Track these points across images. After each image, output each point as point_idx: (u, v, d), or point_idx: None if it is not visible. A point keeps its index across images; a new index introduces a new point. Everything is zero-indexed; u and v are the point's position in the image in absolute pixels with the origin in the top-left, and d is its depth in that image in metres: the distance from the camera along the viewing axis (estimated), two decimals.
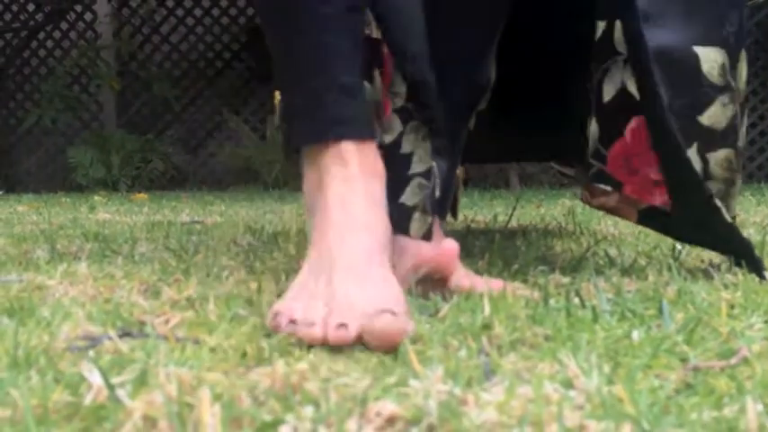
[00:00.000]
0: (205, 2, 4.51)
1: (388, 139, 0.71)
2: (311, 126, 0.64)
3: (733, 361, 0.46)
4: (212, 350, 0.49)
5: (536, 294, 0.67)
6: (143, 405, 0.36)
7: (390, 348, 0.50)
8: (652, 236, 1.20)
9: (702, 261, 0.90)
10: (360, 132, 0.63)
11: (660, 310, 0.59)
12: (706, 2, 0.73)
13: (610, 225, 1.42)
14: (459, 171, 0.92)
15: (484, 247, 1.00)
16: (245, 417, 0.36)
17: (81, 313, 0.59)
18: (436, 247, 0.71)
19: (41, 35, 4.61)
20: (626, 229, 1.33)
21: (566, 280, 0.74)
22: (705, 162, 0.75)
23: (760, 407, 0.38)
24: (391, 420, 0.37)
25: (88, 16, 4.58)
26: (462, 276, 0.70)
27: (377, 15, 0.70)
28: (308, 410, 0.37)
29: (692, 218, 0.78)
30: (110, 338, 0.51)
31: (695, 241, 0.83)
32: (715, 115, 0.73)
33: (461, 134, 0.86)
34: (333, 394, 0.39)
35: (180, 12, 4.52)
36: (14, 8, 4.63)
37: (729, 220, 0.75)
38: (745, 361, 0.46)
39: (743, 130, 0.76)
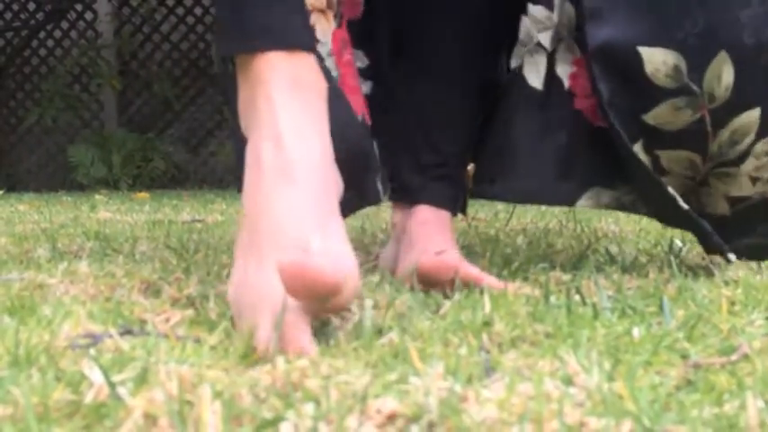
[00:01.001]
0: (206, 0, 4.51)
1: None
2: (238, 35, 0.60)
3: (733, 357, 0.46)
4: (213, 348, 0.49)
5: (536, 292, 0.67)
6: (144, 403, 0.36)
7: (321, 293, 0.48)
8: (653, 233, 1.20)
9: (703, 258, 0.90)
10: (289, 41, 0.58)
11: (661, 308, 0.59)
12: (659, 0, 0.69)
13: (611, 223, 1.42)
14: (470, 168, 0.92)
15: (485, 245, 1.00)
16: (246, 414, 0.36)
17: (82, 312, 0.59)
18: (437, 258, 0.70)
19: (42, 34, 4.61)
20: (627, 226, 1.33)
21: (566, 277, 0.74)
22: (654, 157, 0.73)
23: (760, 403, 0.38)
24: (392, 417, 0.37)
25: (89, 15, 4.58)
26: (470, 267, 0.70)
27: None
28: (309, 408, 0.37)
29: (653, 205, 0.77)
30: (110, 336, 0.51)
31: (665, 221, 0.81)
32: (662, 116, 0.71)
33: (474, 131, 0.86)
34: (333, 391, 0.39)
35: (180, 10, 4.52)
36: (15, 7, 4.63)
37: (686, 207, 0.74)
38: (746, 357, 0.47)
39: (722, 137, 0.72)
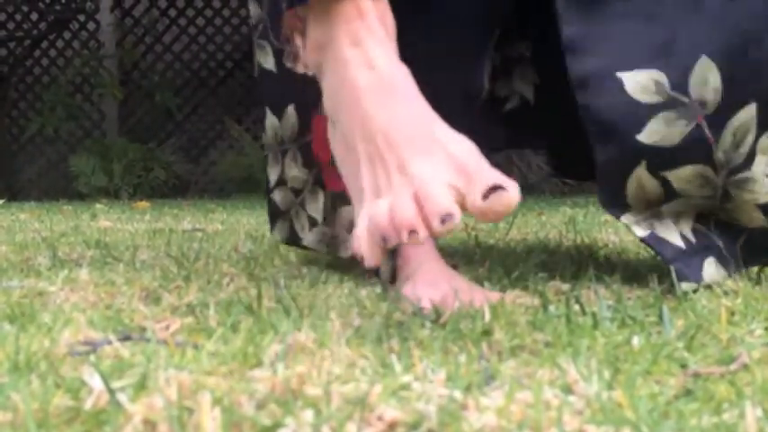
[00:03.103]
0: (207, 11, 4.53)
1: None
2: None
3: (733, 367, 0.46)
4: (212, 355, 0.49)
5: (536, 301, 0.67)
6: (143, 409, 0.37)
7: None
8: None
9: None
10: None
11: (660, 317, 0.59)
12: (636, 22, 0.69)
13: (611, 233, 1.42)
14: None
15: (485, 255, 1.00)
16: (246, 421, 0.36)
17: (82, 319, 0.59)
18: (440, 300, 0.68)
19: (44, 44, 4.63)
20: (627, 236, 1.33)
21: (566, 287, 0.74)
22: (663, 181, 0.72)
23: (759, 412, 0.38)
24: (392, 425, 0.37)
25: (91, 26, 4.60)
26: (464, 290, 0.69)
27: None
28: (309, 414, 0.37)
29: None
30: (110, 343, 0.51)
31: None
32: (657, 133, 0.69)
33: None
34: (333, 398, 0.39)
35: (182, 21, 4.54)
36: (18, 17, 4.66)
37: (640, 236, 0.73)
38: (745, 367, 0.47)
39: (724, 141, 0.70)
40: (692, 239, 0.75)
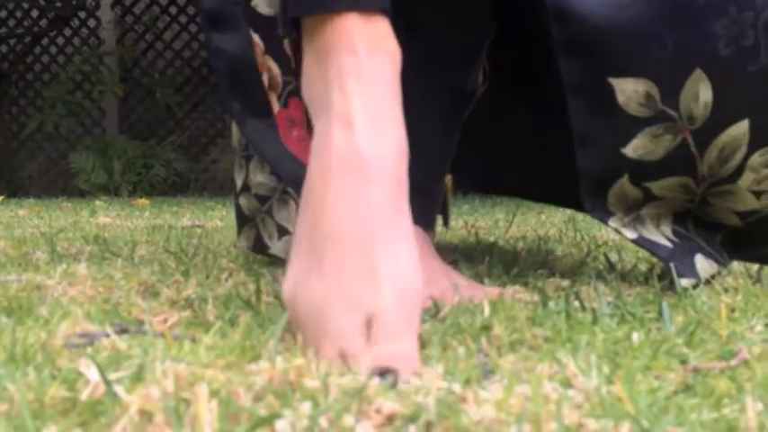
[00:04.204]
0: None
1: None
2: None
3: (733, 362, 0.46)
4: (210, 348, 0.49)
5: (536, 297, 0.67)
6: (139, 400, 0.36)
7: None
8: None
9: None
10: (367, 3, 0.52)
11: (660, 313, 0.59)
12: (626, 30, 0.65)
13: (610, 231, 1.42)
14: (448, 180, 0.91)
15: (484, 252, 1.00)
16: (243, 412, 0.36)
17: (79, 312, 0.59)
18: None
19: (45, 41, 4.63)
20: None
21: (565, 283, 0.74)
22: (644, 189, 0.71)
23: (759, 406, 0.38)
24: (390, 417, 0.36)
25: (92, 23, 4.60)
26: (463, 286, 0.69)
27: None
28: (306, 406, 0.36)
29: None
30: (107, 336, 0.51)
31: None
32: (643, 147, 0.68)
33: (450, 142, 0.83)
34: (331, 390, 0.39)
35: (183, 18, 4.54)
36: (18, 14, 4.66)
37: (630, 238, 0.73)
38: (745, 363, 0.46)
39: (709, 156, 0.69)
40: (677, 240, 0.75)
